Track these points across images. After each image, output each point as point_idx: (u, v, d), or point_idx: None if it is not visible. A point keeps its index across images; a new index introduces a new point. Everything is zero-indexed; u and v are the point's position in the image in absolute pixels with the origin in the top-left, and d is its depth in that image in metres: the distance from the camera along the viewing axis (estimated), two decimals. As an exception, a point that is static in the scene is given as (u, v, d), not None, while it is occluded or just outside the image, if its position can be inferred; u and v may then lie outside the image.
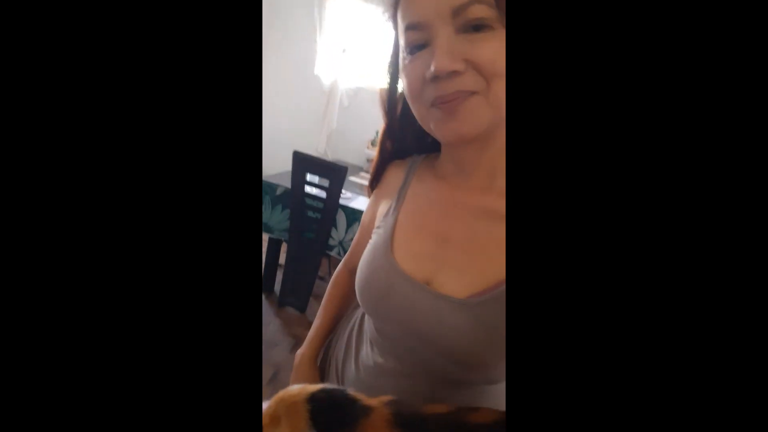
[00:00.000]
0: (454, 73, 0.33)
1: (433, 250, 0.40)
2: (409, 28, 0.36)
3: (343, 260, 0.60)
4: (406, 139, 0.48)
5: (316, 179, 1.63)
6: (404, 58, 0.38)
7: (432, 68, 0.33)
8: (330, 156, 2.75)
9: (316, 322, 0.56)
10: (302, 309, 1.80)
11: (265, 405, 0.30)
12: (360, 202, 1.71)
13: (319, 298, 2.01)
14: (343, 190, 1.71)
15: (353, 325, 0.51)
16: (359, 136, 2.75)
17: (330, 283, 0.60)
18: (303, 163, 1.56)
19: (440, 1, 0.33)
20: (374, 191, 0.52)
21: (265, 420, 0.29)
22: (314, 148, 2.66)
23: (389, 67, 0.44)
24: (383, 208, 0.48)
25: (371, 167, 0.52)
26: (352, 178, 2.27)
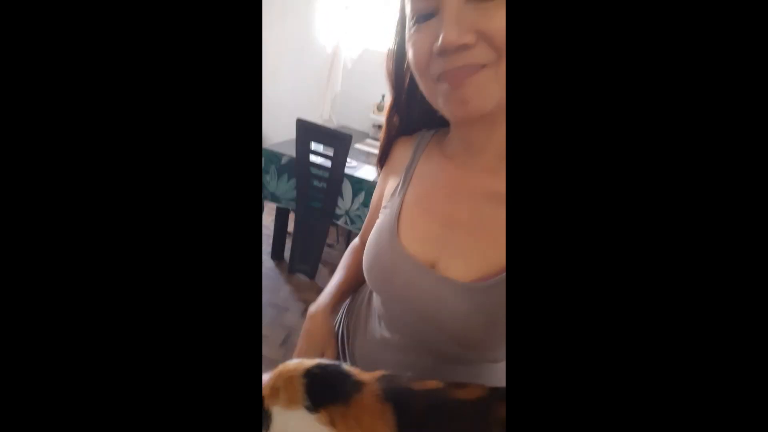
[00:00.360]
0: (463, 47, 0.31)
1: (438, 233, 0.40)
2: None
3: (360, 233, 0.61)
4: (413, 114, 0.47)
5: (320, 148, 1.61)
6: (410, 28, 0.36)
7: (440, 41, 0.31)
8: (335, 122, 2.70)
9: (332, 281, 0.56)
10: (312, 276, 1.86)
11: (266, 377, 0.33)
12: (365, 171, 1.70)
13: (327, 264, 2.08)
14: (348, 159, 1.70)
15: (363, 299, 0.52)
16: (364, 101, 2.67)
17: (347, 250, 0.61)
18: (307, 131, 1.54)
19: None
20: (383, 168, 0.51)
21: (265, 391, 0.31)
22: (319, 113, 2.60)
23: (395, 36, 0.42)
24: (391, 186, 0.48)
25: (380, 144, 0.50)
26: (358, 146, 2.24)
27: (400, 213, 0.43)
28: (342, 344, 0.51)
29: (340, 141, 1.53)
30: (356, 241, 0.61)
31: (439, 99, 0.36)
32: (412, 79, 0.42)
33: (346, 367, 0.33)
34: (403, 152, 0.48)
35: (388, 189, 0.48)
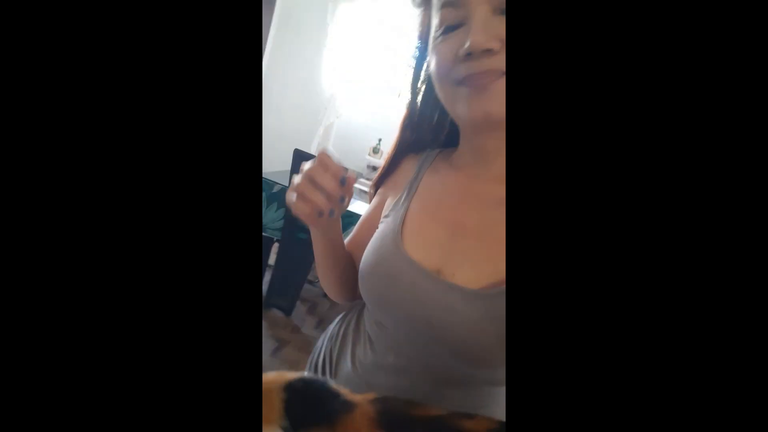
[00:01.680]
0: (488, 52, 0.33)
1: (445, 240, 0.39)
2: (445, 5, 0.36)
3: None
4: (423, 130, 0.48)
5: (314, 180, 1.60)
6: (436, 38, 0.37)
7: (467, 44, 0.33)
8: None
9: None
10: (288, 312, 1.75)
11: None
12: (357, 207, 1.68)
13: (306, 302, 1.98)
14: (340, 194, 1.69)
15: (350, 321, 0.49)
16: (360, 143, 2.75)
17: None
18: (300, 160, 1.54)
19: None
20: (382, 186, 0.50)
21: None
22: (314, 149, 2.64)
23: (415, 50, 0.43)
24: (392, 198, 0.47)
25: (385, 160, 0.50)
26: (351, 184, 2.25)
27: (404, 220, 0.42)
28: (324, 371, 0.48)
29: (334, 174, 1.53)
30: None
31: (458, 104, 0.37)
32: (425, 93, 0.44)
33: (334, 384, 0.27)
34: (408, 167, 0.48)
35: (389, 201, 0.47)
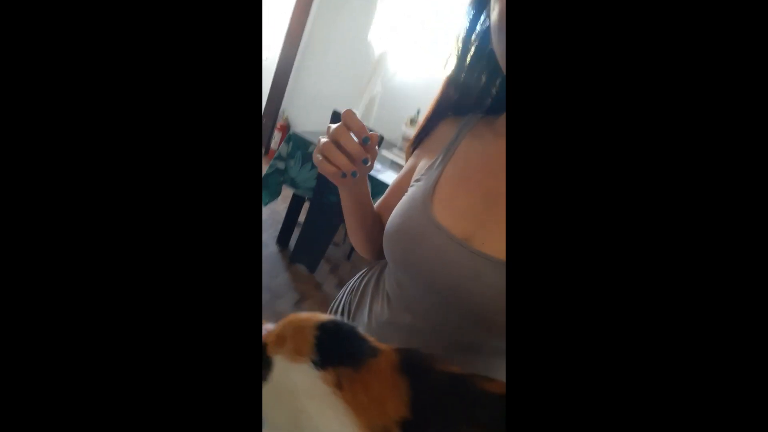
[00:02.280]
0: None
1: (478, 207, 0.38)
2: None
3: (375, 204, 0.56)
4: (469, 91, 0.44)
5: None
6: None
7: None
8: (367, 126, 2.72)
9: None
10: (312, 269, 1.83)
11: (272, 326, 0.30)
12: (387, 176, 1.68)
13: (330, 261, 2.05)
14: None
15: (370, 278, 0.50)
16: (399, 112, 2.70)
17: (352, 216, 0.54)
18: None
19: None
20: (417, 148, 0.48)
21: (270, 338, 0.29)
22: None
23: (472, 5, 0.40)
24: (426, 161, 0.45)
25: (423, 120, 0.48)
26: (384, 152, 2.24)
27: (436, 185, 0.40)
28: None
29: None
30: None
31: None
32: (478, 47, 0.41)
33: (363, 331, 0.29)
34: (447, 130, 0.45)
35: (422, 165, 0.45)
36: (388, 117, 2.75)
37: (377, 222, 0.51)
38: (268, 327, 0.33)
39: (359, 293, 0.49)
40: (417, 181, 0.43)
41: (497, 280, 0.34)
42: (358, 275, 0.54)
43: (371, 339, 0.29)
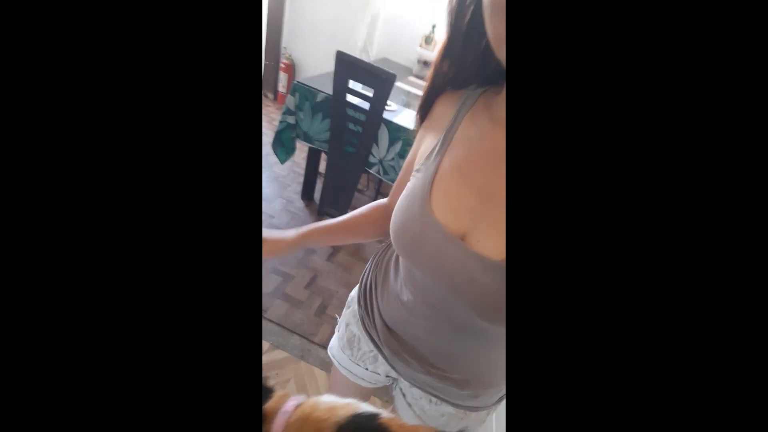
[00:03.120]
0: None
1: (474, 205, 0.38)
2: None
3: (390, 195, 0.57)
4: (466, 62, 0.40)
5: (359, 86, 1.47)
6: None
7: None
8: (374, 53, 2.44)
9: (327, 222, 0.55)
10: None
11: (291, 404, 0.29)
12: (405, 117, 1.56)
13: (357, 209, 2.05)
14: (388, 102, 1.56)
15: (393, 254, 0.51)
16: (411, 30, 2.38)
17: (367, 206, 0.57)
18: (347, 67, 1.39)
19: None
20: (422, 124, 0.46)
21: (282, 428, 0.28)
22: (353, 42, 2.35)
23: None
24: (427, 146, 0.44)
25: (423, 92, 0.45)
26: (400, 84, 2.04)
27: (434, 179, 0.40)
28: (369, 295, 0.52)
29: (382, 82, 1.38)
30: (382, 201, 0.57)
31: None
32: (472, 18, 0.36)
33: (386, 417, 0.28)
34: (445, 109, 0.43)
35: (423, 149, 0.44)
36: (399, 38, 2.44)
37: (357, 230, 0.55)
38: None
39: (383, 268, 0.51)
40: (417, 171, 0.43)
41: (490, 280, 0.35)
42: (382, 247, 0.55)
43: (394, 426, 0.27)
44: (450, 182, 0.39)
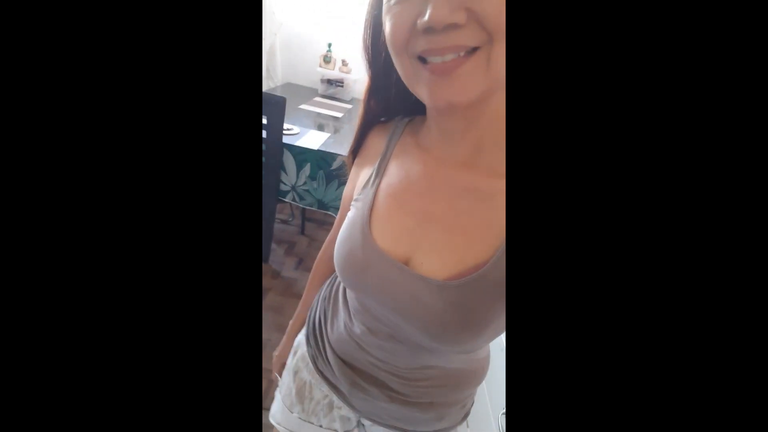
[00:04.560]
0: (451, 26, 0.28)
1: (412, 228, 0.39)
2: None
3: (325, 242, 0.59)
4: (390, 97, 0.43)
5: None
6: (389, 0, 0.32)
7: (427, 17, 0.28)
8: (278, 78, 2.37)
9: (301, 303, 0.59)
10: (265, 258, 1.71)
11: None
12: (310, 138, 1.49)
13: (283, 243, 1.93)
14: (290, 125, 1.48)
15: (339, 286, 0.51)
16: (309, 52, 2.35)
17: (313, 267, 0.60)
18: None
19: None
20: (356, 159, 0.48)
21: None
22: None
23: (371, 8, 0.37)
24: (363, 177, 0.45)
25: (355, 132, 0.47)
26: (304, 106, 1.98)
27: (372, 206, 0.41)
28: (319, 331, 0.51)
29: (273, 107, 1.30)
30: (322, 251, 0.59)
31: (418, 84, 0.33)
32: (387, 57, 0.36)
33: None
34: (377, 141, 0.45)
35: (360, 180, 0.46)
36: (299, 59, 2.40)
37: (322, 274, 0.58)
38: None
39: (331, 301, 0.51)
40: (356, 201, 0.44)
41: (437, 301, 0.35)
42: (328, 281, 0.55)
43: None
44: (388, 208, 0.40)
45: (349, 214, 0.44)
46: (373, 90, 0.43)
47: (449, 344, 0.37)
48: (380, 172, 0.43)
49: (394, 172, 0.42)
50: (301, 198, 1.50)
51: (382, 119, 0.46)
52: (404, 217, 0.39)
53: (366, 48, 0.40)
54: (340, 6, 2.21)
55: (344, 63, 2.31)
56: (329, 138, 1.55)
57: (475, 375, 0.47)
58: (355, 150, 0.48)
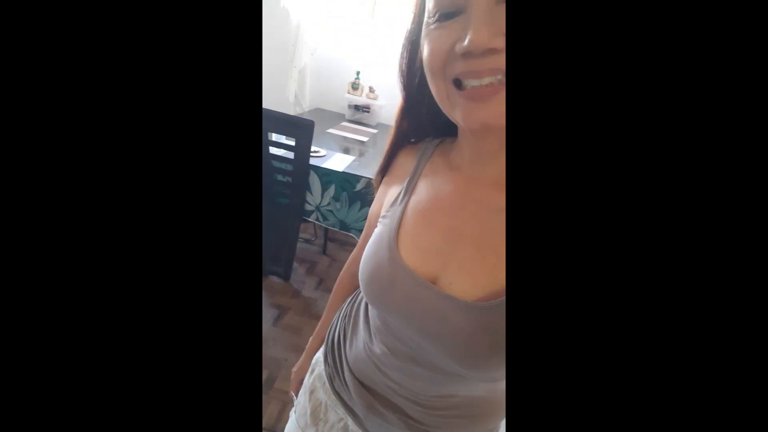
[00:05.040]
0: (490, 51, 0.29)
1: (441, 246, 0.38)
2: None
3: (349, 259, 0.59)
4: (422, 118, 0.44)
5: (282, 138, 1.43)
6: (429, 24, 0.33)
7: (466, 42, 0.29)
8: (307, 104, 2.48)
9: (322, 321, 0.58)
10: (286, 277, 1.72)
11: None
12: (336, 161, 1.53)
13: (305, 263, 1.94)
14: (316, 147, 1.53)
15: (360, 303, 0.50)
16: (337, 79, 2.46)
17: (335, 285, 0.59)
18: (265, 121, 1.36)
19: None
20: (384, 179, 0.48)
21: None
22: (285, 95, 2.37)
23: (409, 34, 0.38)
24: (392, 195, 0.45)
25: (385, 151, 0.47)
26: (331, 130, 2.05)
27: (400, 223, 0.41)
28: (338, 350, 0.50)
29: (302, 129, 1.35)
30: (344, 269, 0.59)
31: (453, 107, 0.34)
32: (421, 79, 0.38)
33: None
34: (406, 161, 0.46)
35: (388, 198, 0.46)
36: (326, 87, 2.51)
37: (344, 290, 0.58)
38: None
39: (351, 320, 0.49)
40: (383, 218, 0.44)
41: (465, 322, 0.34)
42: (349, 300, 0.54)
43: None
44: (416, 226, 0.40)
45: (376, 230, 0.43)
46: (406, 110, 0.43)
47: (475, 369, 0.36)
48: (409, 190, 0.43)
49: (423, 190, 0.42)
50: (325, 218, 1.53)
51: (413, 140, 0.46)
52: (433, 235, 0.39)
53: (401, 70, 0.41)
54: (369, 33, 2.32)
55: (371, 90, 2.39)
56: (354, 161, 1.59)
57: (501, 407, 0.44)
58: (384, 169, 0.48)
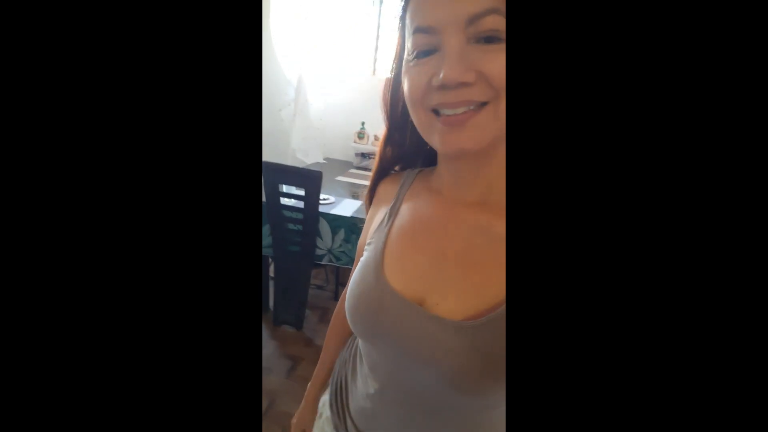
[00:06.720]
0: (463, 84, 0.32)
1: (426, 268, 0.38)
2: (418, 30, 0.34)
3: (343, 292, 0.60)
4: (405, 146, 0.46)
5: (293, 189, 1.50)
6: (409, 62, 0.36)
7: (441, 77, 0.32)
8: (312, 156, 2.60)
9: (319, 363, 0.58)
10: (298, 326, 1.70)
11: None
12: (344, 206, 1.57)
13: (317, 309, 1.92)
14: (324, 195, 1.58)
15: (355, 347, 0.50)
16: (343, 130, 2.59)
17: (333, 316, 0.59)
18: (275, 173, 1.43)
19: (455, 7, 0.32)
20: (371, 205, 0.50)
21: None
22: (291, 150, 2.49)
23: (393, 68, 0.42)
24: (376, 222, 0.46)
25: (370, 178, 0.50)
26: (340, 178, 2.13)
27: (385, 247, 0.41)
28: (340, 396, 0.49)
29: (311, 180, 1.41)
30: (341, 300, 0.58)
31: (432, 134, 0.36)
32: (404, 108, 0.40)
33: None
34: (389, 188, 0.47)
35: (374, 225, 0.46)
36: (333, 136, 2.64)
37: (342, 327, 0.57)
38: None
39: (350, 364, 0.49)
40: (369, 244, 0.44)
41: (455, 343, 0.34)
42: (348, 341, 0.54)
43: None
44: (401, 248, 0.40)
45: (362, 257, 0.44)
46: (389, 139, 0.46)
47: (469, 392, 0.35)
48: (392, 214, 0.44)
49: (406, 213, 0.43)
50: (338, 258, 1.55)
51: (396, 168, 0.49)
52: (417, 256, 0.39)
53: (385, 102, 0.44)
54: (371, 88, 2.48)
55: (376, 138, 2.51)
56: (362, 205, 1.63)
57: None
58: (370, 195, 0.50)
